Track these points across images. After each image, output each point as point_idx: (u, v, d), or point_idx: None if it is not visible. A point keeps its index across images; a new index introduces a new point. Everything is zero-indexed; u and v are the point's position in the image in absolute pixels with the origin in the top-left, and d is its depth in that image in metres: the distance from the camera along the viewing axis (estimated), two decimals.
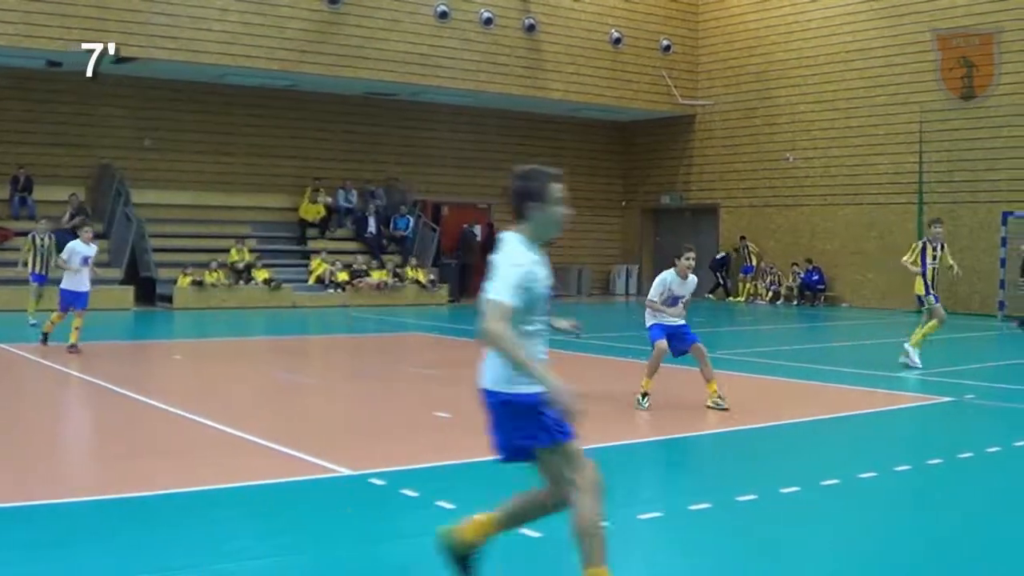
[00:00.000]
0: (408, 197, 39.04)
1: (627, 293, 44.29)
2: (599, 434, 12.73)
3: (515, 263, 6.35)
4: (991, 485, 10.76)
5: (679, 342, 14.72)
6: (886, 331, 28.60)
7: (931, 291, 20.51)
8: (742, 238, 41.20)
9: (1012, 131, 33.93)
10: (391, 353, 23.48)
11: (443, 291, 36.91)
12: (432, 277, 37.01)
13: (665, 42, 41.59)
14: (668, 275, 14.89)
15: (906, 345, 19.92)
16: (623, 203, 46.02)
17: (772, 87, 40.69)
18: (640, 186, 45.60)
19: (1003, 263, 32.60)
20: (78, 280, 20.35)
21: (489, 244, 39.64)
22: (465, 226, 40.43)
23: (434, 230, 38.68)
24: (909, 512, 9.70)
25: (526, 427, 6.50)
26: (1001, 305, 32.53)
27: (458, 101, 39.09)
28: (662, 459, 12.08)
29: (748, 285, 40.98)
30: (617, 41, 40.02)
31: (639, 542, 8.47)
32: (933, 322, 20.13)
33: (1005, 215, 32.87)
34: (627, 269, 45.03)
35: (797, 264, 39.22)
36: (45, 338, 20.38)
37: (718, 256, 41.82)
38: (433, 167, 40.51)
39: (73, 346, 19.59)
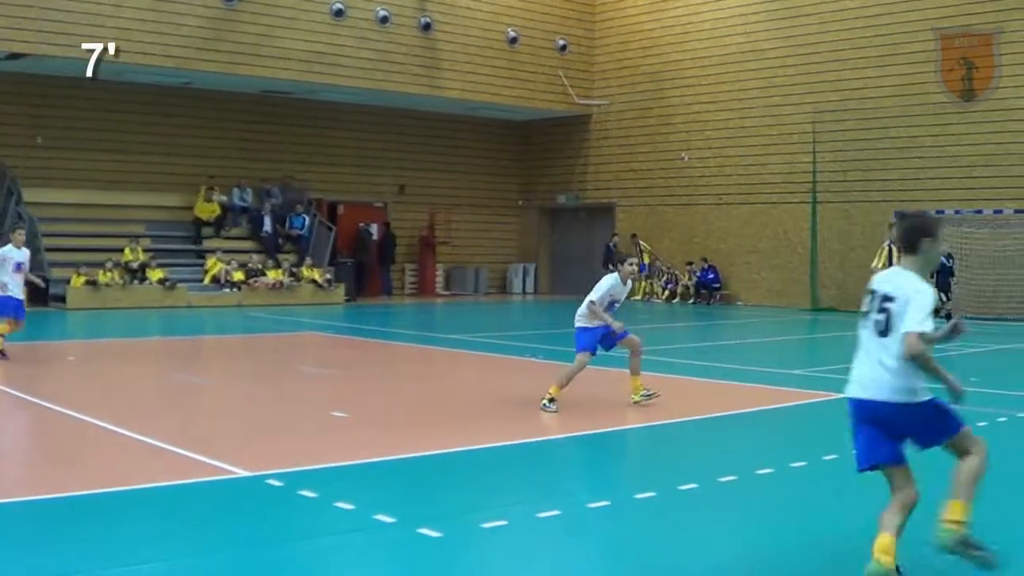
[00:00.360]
0: (304, 196, 38.82)
1: (524, 292, 44.36)
2: (499, 433, 12.76)
3: (932, 295, 7.29)
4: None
5: (609, 339, 14.77)
6: (779, 329, 28.93)
7: None
8: (633, 236, 41.41)
9: (902, 131, 34.44)
10: (287, 353, 23.33)
11: (339, 290, 36.74)
12: (328, 276, 36.81)
13: (561, 42, 41.72)
14: (613, 279, 14.84)
15: None
16: (520, 202, 46.06)
17: (667, 87, 40.96)
18: (537, 185, 45.68)
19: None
20: (15, 287, 19.70)
21: (385, 243, 39.59)
22: (361, 225, 40.30)
23: (330, 229, 38.49)
24: (804, 507, 9.77)
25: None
26: None
27: (355, 99, 38.95)
28: (560, 457, 12.09)
29: (643, 284, 41.17)
30: (513, 40, 40.07)
31: (536, 539, 8.47)
32: None
33: (897, 214, 33.25)
34: (524, 268, 45.09)
35: (692, 263, 39.50)
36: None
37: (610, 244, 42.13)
38: (329, 166, 40.27)
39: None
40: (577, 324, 14.95)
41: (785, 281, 37.27)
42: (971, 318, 28.35)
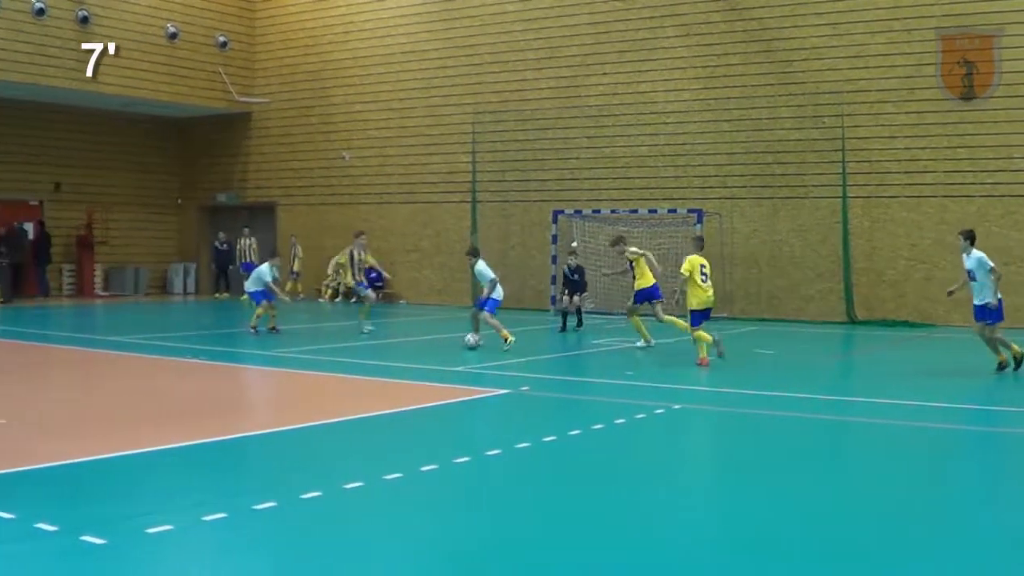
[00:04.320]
0: None
1: (185, 292, 43.68)
2: (161, 436, 12.56)
3: None
4: (548, 473, 11.16)
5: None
6: (442, 326, 29.20)
7: None
8: (292, 237, 41.61)
9: (559, 132, 35.32)
10: None
11: None
12: None
13: (222, 38, 41.30)
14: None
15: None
16: (179, 201, 45.34)
17: (328, 86, 40.97)
18: (197, 184, 45.04)
19: (554, 260, 33.81)
20: None
21: (40, 243, 38.35)
22: (15, 224, 38.95)
23: None
24: (470, 502, 9.94)
25: None
26: (553, 300, 33.71)
27: (9, 94, 37.56)
28: (224, 460, 11.96)
29: (295, 285, 41.05)
30: (173, 36, 39.45)
31: (203, 543, 8.41)
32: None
33: (556, 213, 34.11)
34: (184, 268, 44.39)
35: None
36: None
37: (223, 245, 42.03)
38: None
39: None
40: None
41: (447, 279, 37.74)
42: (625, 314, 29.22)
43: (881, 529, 9.02)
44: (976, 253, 18.83)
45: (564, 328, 27.78)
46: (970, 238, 19.05)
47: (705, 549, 8.37)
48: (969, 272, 18.90)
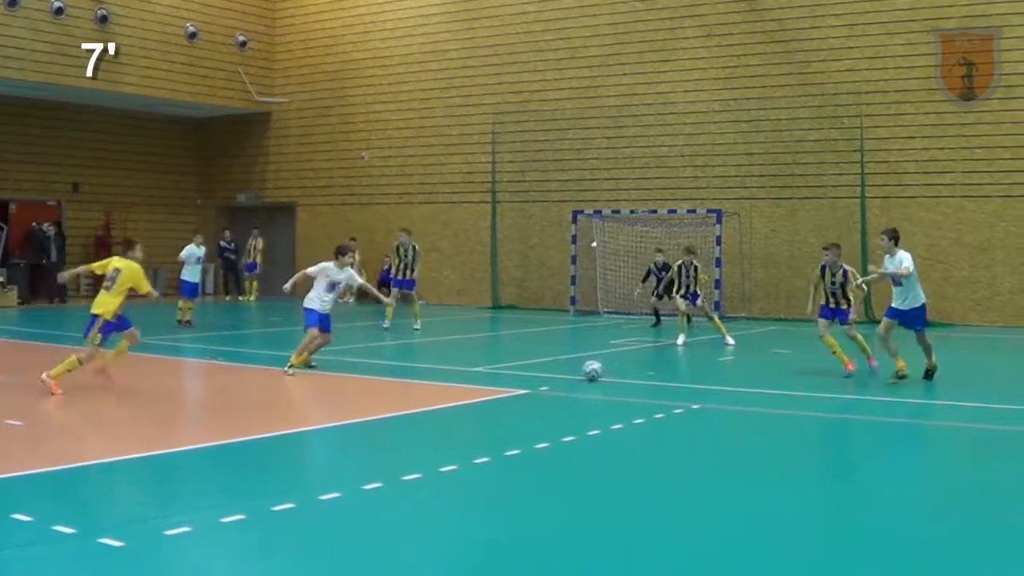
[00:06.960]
0: None
1: (203, 293, 43.59)
2: (178, 437, 12.53)
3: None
4: (567, 474, 11.12)
5: (327, 322, 18.39)
6: (460, 327, 29.20)
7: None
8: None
9: (578, 133, 35.30)
10: None
11: (12, 293, 35.39)
12: (0, 279, 35.42)
13: (241, 38, 41.32)
14: (326, 263, 18.48)
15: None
16: (198, 201, 45.32)
17: (348, 86, 40.96)
18: (216, 184, 45.03)
19: (574, 260, 33.75)
20: None
21: (60, 242, 38.26)
22: (35, 224, 38.92)
23: (1, 229, 37.17)
24: (490, 503, 9.91)
25: None
26: (572, 300, 33.65)
27: (28, 93, 37.56)
28: (242, 461, 11.92)
29: (254, 283, 41.03)
30: (193, 35, 39.47)
31: (221, 545, 8.37)
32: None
33: (575, 213, 34.06)
34: (203, 268, 44.26)
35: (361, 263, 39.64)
36: None
37: (229, 244, 42.02)
38: (0, 162, 38.79)
39: None
40: (304, 305, 18.35)
41: (467, 280, 37.69)
42: (644, 315, 29.23)
43: (903, 527, 8.97)
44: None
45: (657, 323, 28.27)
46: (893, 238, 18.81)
47: (723, 550, 8.32)
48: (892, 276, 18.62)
